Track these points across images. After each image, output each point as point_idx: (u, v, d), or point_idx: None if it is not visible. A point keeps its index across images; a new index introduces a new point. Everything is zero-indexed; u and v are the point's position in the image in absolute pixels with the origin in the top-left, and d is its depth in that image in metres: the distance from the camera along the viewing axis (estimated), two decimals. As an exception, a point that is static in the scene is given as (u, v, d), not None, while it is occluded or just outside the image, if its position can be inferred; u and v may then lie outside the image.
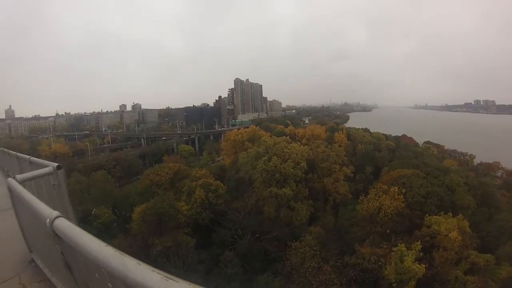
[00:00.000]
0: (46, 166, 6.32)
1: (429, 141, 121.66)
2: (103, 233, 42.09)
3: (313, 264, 35.53)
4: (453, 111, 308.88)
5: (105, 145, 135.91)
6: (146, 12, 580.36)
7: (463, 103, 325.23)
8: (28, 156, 9.22)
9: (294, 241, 39.30)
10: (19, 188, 4.68)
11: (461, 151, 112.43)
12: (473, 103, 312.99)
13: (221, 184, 50.12)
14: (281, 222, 45.24)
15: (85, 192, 55.17)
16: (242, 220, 42.43)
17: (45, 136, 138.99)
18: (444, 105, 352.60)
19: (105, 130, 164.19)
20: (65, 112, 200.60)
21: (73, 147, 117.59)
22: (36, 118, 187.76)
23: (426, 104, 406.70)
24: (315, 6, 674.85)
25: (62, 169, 5.96)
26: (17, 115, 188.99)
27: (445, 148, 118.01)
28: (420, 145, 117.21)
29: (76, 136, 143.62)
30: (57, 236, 2.80)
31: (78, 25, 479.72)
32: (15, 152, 13.08)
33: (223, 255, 38.86)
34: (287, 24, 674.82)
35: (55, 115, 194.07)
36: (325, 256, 37.08)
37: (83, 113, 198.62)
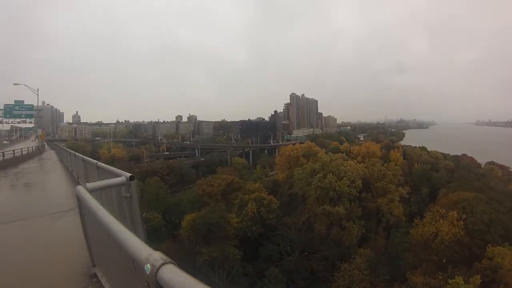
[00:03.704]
0: (116, 174, 5.93)
1: (492, 161, 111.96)
2: (152, 236, 43.40)
3: (360, 288, 34.64)
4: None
5: (160, 153, 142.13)
6: (211, 25, 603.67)
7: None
8: (95, 161, 8.74)
9: (342, 262, 38.47)
10: (94, 204, 3.93)
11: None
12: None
13: (274, 199, 49.80)
14: (331, 241, 44.12)
15: (139, 196, 57.55)
16: (292, 236, 42.16)
17: (105, 141, 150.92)
18: (510, 120, 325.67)
19: (160, 139, 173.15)
20: (125, 120, 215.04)
21: (130, 152, 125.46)
22: (99, 123, 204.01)
23: (490, 120, 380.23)
24: (377, 15, 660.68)
25: (135, 180, 5.48)
26: (82, 120, 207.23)
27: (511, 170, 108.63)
28: (483, 166, 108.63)
29: (134, 143, 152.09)
30: None
31: (146, 36, 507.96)
32: (81, 155, 12.92)
33: (268, 270, 38.69)
34: (348, 36, 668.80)
35: (115, 122, 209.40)
36: (373, 281, 36.02)
37: (141, 121, 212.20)
